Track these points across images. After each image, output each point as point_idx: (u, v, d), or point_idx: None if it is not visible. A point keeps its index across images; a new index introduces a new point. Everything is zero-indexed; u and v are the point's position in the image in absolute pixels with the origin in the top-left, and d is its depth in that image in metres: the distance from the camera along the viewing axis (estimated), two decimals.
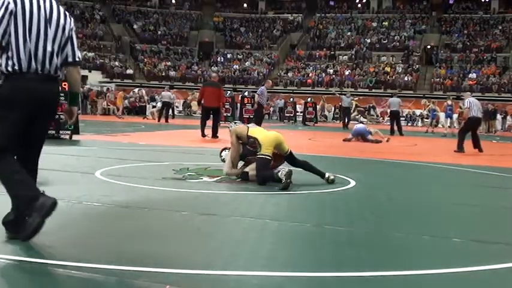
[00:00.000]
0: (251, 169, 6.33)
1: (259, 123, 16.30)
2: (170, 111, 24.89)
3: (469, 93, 15.51)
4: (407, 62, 39.79)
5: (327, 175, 6.39)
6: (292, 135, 17.32)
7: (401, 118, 34.59)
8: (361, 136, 15.26)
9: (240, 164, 6.71)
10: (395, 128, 19.91)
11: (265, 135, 6.40)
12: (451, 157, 11.46)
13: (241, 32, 45.99)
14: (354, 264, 3.23)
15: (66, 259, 3.00)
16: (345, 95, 25.76)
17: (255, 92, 30.34)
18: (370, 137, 15.21)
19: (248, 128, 6.64)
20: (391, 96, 36.42)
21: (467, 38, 40.91)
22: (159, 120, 22.96)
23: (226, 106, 22.45)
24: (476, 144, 12.89)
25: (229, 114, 22.90)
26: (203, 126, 13.84)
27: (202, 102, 13.87)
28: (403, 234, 4.13)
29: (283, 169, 5.99)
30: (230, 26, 46.64)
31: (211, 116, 13.90)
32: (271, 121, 29.45)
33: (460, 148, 12.60)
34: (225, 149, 7.10)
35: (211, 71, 41.05)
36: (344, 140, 15.15)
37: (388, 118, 21.48)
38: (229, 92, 25.45)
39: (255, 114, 16.95)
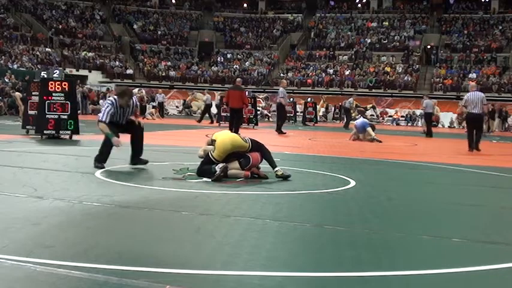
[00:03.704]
0: (232, 168, 6.57)
1: (282, 124, 16.91)
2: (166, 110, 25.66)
3: (473, 84, 14.39)
4: (407, 62, 39.79)
5: (276, 169, 6.63)
6: (292, 135, 17.33)
7: (402, 118, 34.87)
8: (363, 129, 15.36)
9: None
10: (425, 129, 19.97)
11: (221, 139, 6.69)
12: (451, 157, 11.46)
13: (241, 32, 45.98)
14: (354, 264, 3.23)
15: (66, 259, 3.00)
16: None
17: (255, 92, 30.42)
18: (370, 130, 15.30)
19: (214, 133, 7.00)
20: (391, 96, 36.35)
21: (467, 38, 40.90)
22: (212, 122, 23.48)
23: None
24: (475, 142, 12.56)
25: (229, 114, 22.76)
26: (230, 125, 15.39)
27: (228, 103, 16.38)
28: (403, 234, 4.13)
29: (220, 164, 6.34)
30: (230, 26, 46.62)
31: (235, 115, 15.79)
32: (271, 121, 29.44)
33: (469, 147, 12.44)
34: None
35: (211, 70, 41.15)
36: (353, 140, 15.23)
37: (390, 118, 21.65)
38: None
39: (279, 116, 17.58)
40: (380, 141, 14.84)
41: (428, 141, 17.64)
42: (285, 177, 6.55)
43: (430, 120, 20.43)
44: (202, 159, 6.76)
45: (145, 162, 7.34)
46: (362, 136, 15.42)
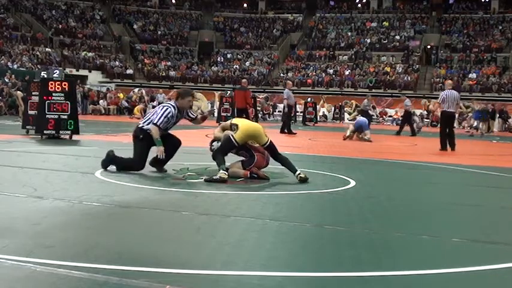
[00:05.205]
0: (233, 166, 6.57)
1: (289, 124, 17.32)
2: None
3: (449, 82, 14.15)
4: (408, 62, 39.77)
5: (298, 172, 6.46)
6: (292, 135, 17.32)
7: (400, 118, 34.81)
8: (361, 129, 15.43)
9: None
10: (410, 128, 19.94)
11: (246, 124, 6.76)
12: (451, 157, 11.45)
13: (241, 32, 45.98)
14: (354, 264, 3.23)
15: (66, 259, 3.00)
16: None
17: (255, 92, 30.40)
18: (368, 132, 15.39)
19: (232, 119, 7.07)
20: (391, 96, 36.36)
21: (467, 38, 40.89)
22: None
23: (226, 106, 22.44)
24: (450, 142, 12.41)
25: (228, 114, 22.77)
26: None
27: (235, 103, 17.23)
28: (403, 234, 4.13)
29: (221, 173, 6.11)
30: (230, 26, 46.62)
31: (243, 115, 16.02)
32: (270, 121, 29.43)
33: (442, 147, 12.40)
34: (214, 140, 7.09)
35: (211, 70, 41.15)
36: (344, 139, 15.23)
37: (389, 118, 21.75)
38: (229, 92, 25.45)
39: (286, 116, 17.92)
40: (370, 141, 14.88)
41: (428, 141, 17.62)
42: (305, 180, 6.37)
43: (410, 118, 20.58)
44: (223, 141, 6.62)
45: (164, 171, 6.78)
46: (357, 134, 15.53)
